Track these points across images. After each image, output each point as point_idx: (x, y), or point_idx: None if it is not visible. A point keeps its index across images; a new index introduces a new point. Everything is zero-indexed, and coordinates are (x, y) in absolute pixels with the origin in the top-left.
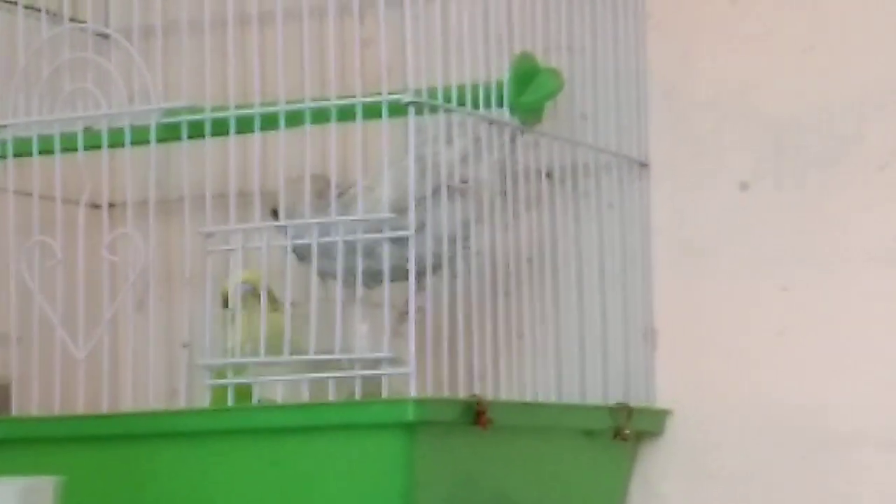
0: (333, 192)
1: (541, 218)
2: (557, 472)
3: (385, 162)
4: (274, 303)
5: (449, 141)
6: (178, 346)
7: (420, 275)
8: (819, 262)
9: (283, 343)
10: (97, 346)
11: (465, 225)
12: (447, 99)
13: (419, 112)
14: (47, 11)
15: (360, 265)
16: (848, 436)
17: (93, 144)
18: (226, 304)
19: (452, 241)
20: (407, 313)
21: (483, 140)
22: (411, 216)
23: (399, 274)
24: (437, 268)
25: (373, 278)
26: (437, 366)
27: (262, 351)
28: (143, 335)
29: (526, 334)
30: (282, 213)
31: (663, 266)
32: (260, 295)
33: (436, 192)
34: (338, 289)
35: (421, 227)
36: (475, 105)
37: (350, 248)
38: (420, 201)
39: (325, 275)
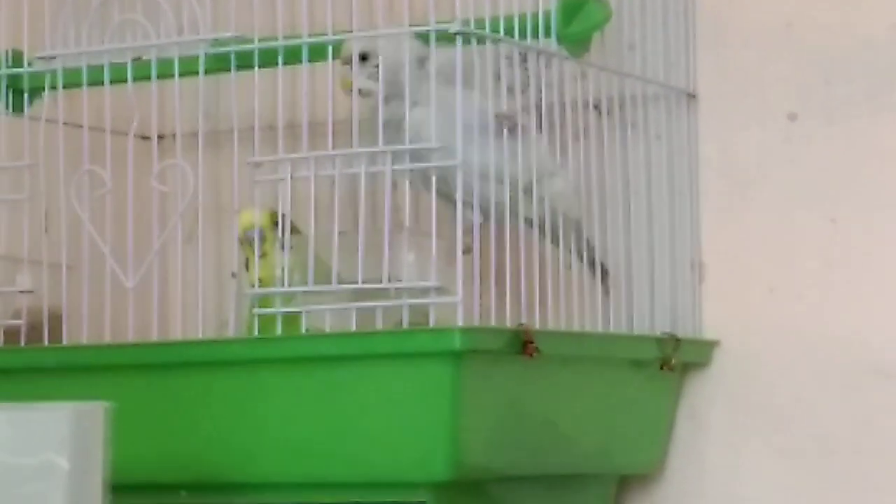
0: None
1: (588, 149)
2: (604, 402)
3: (433, 93)
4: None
5: (497, 72)
6: (227, 276)
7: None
8: (867, 194)
9: (328, 273)
10: (147, 276)
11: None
12: (494, 29)
13: (466, 42)
14: None
15: (407, 194)
16: (895, 368)
17: (142, 75)
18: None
19: (501, 179)
20: (468, 250)
21: (531, 71)
22: (459, 145)
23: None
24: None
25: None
26: (484, 296)
27: (310, 280)
28: (192, 265)
29: (573, 265)
30: (329, 143)
31: (711, 198)
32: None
33: (483, 127)
34: (386, 217)
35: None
36: (522, 35)
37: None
38: (468, 134)
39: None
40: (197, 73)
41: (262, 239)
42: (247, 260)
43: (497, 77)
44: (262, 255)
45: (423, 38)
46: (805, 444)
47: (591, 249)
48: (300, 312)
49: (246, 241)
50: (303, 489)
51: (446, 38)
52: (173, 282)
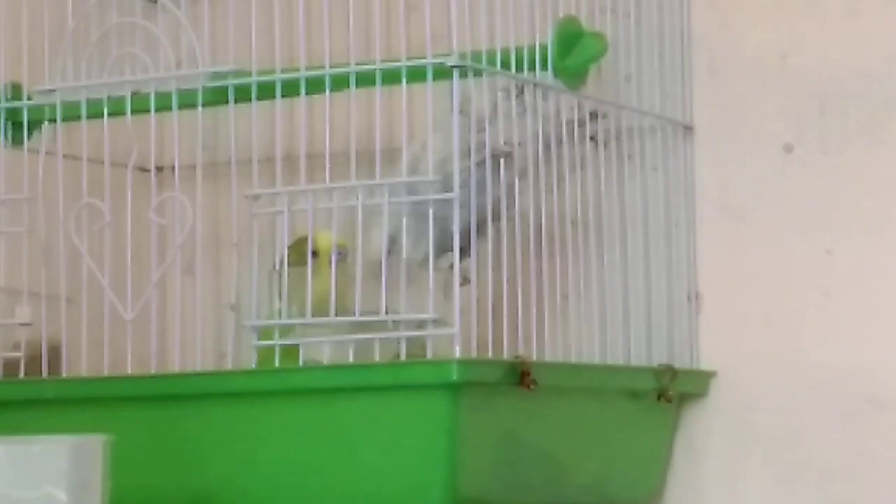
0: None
1: (585, 181)
2: (601, 433)
3: (430, 128)
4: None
5: (493, 105)
6: (225, 309)
7: (465, 240)
8: (863, 224)
9: (329, 305)
10: (145, 308)
11: (510, 189)
12: (491, 63)
13: (463, 75)
14: None
15: (403, 228)
16: (891, 398)
17: (140, 108)
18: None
19: (497, 204)
20: (466, 280)
21: (527, 103)
22: (455, 178)
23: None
24: (481, 232)
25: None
26: (481, 327)
27: (308, 312)
28: (191, 297)
29: (570, 296)
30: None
31: (707, 229)
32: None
33: (479, 156)
34: (382, 251)
35: (465, 192)
36: (519, 69)
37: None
38: (464, 166)
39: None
40: (195, 105)
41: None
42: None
43: (494, 109)
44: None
45: (421, 71)
46: (802, 474)
47: None
48: (298, 344)
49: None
50: None
51: (443, 71)
52: (172, 314)
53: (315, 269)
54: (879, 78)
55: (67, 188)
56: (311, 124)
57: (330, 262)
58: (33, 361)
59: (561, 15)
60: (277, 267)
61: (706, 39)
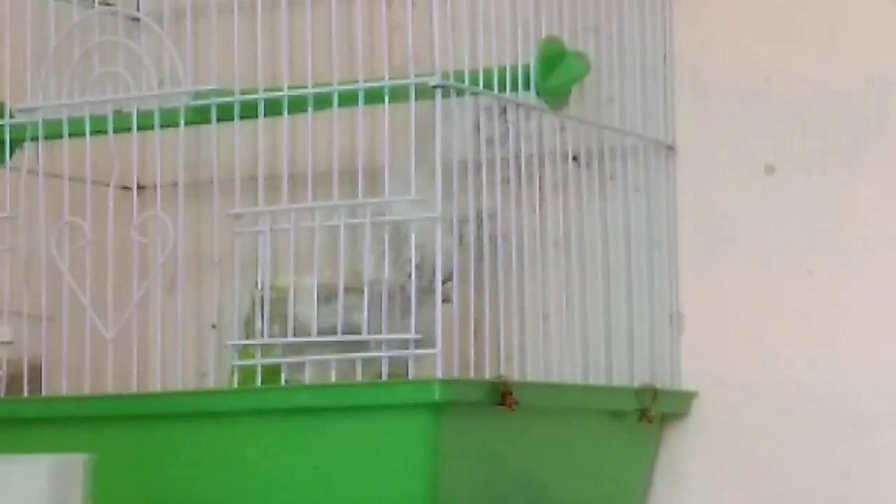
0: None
1: (567, 201)
2: (583, 453)
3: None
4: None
5: (476, 125)
6: (207, 328)
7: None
8: (845, 245)
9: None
10: (126, 327)
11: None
12: (474, 82)
13: (446, 95)
14: None
15: (387, 249)
16: (873, 420)
17: (122, 127)
18: None
19: (478, 225)
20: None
21: (510, 123)
22: (438, 197)
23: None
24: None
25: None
26: (463, 347)
27: (290, 332)
28: (172, 317)
29: (552, 316)
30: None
31: (689, 249)
32: None
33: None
34: (365, 272)
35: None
36: (502, 88)
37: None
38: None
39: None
40: (177, 124)
41: None
42: None
43: (476, 129)
44: None
45: (404, 91)
46: (783, 495)
47: None
48: (280, 364)
49: None
50: None
51: (426, 91)
52: (153, 333)
53: None
54: (860, 98)
55: (49, 206)
56: (294, 144)
57: None
58: (14, 380)
59: (543, 35)
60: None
61: (688, 60)
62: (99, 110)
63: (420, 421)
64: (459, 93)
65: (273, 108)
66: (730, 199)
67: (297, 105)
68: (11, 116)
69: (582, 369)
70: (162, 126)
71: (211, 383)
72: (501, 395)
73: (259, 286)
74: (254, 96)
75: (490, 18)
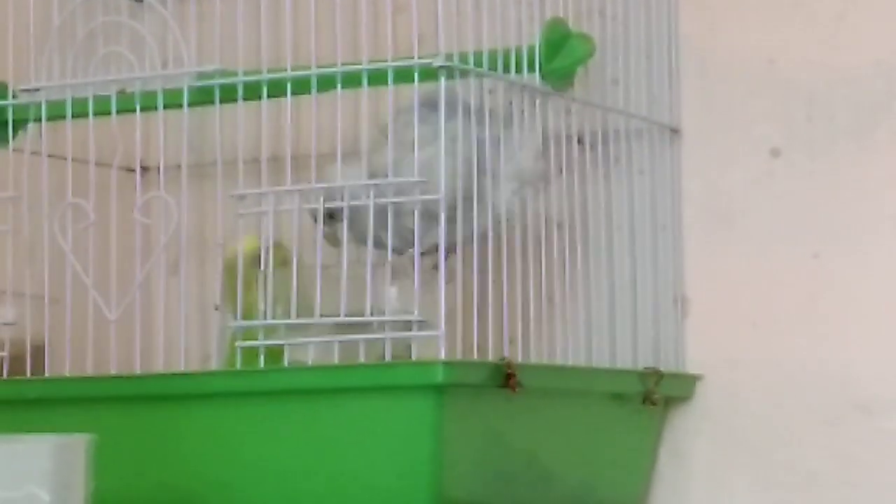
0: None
1: (571, 183)
2: (586, 435)
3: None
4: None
5: (480, 107)
6: (210, 309)
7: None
8: (850, 229)
9: (314, 306)
10: (129, 309)
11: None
12: (478, 64)
13: (450, 77)
14: None
15: (390, 227)
16: (877, 403)
17: (126, 108)
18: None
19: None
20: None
21: (514, 105)
22: (441, 181)
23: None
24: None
25: (404, 241)
26: (467, 329)
27: (293, 313)
28: (175, 298)
29: (556, 298)
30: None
31: (694, 233)
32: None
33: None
34: (368, 250)
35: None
36: (506, 70)
37: (379, 210)
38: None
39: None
40: (181, 105)
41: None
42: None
43: (480, 111)
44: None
45: (408, 72)
46: (787, 479)
47: None
48: (283, 345)
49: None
50: None
51: (430, 72)
52: (156, 314)
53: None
54: (867, 82)
55: (52, 188)
56: (298, 125)
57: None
58: (17, 361)
59: (548, 17)
60: (262, 268)
61: (694, 42)
62: (102, 91)
63: (423, 403)
64: (463, 74)
65: (277, 90)
66: (735, 182)
67: (301, 86)
68: (14, 97)
69: (586, 352)
70: (165, 107)
71: (214, 365)
72: (505, 377)
73: (262, 266)
74: (257, 77)
75: (494, 0)
